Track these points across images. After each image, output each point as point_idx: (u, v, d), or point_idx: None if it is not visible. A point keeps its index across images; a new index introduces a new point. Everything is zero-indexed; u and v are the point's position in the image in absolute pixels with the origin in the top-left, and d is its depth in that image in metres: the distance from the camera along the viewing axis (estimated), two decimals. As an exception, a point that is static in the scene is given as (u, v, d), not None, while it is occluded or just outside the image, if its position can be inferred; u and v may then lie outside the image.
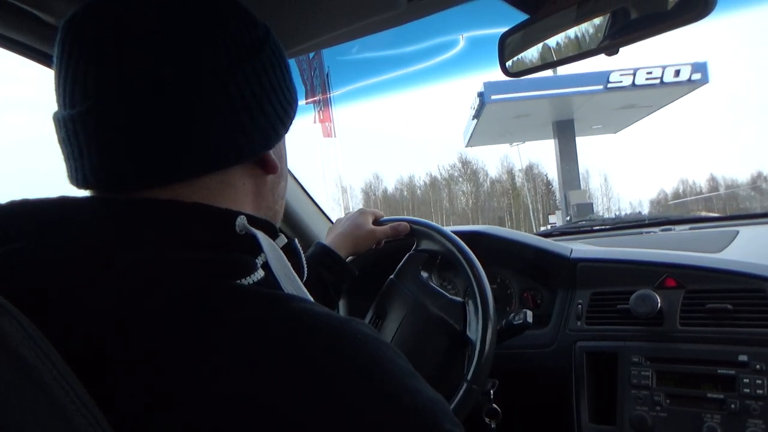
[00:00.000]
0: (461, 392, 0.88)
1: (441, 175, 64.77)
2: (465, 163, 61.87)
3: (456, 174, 63.30)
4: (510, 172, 57.95)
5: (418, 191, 65.87)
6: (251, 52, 0.49)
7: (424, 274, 1.03)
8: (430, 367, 0.94)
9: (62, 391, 0.33)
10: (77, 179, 0.47)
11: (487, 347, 0.89)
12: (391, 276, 1.05)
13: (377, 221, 1.09)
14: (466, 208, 60.56)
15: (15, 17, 0.77)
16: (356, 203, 66.53)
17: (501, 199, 59.41)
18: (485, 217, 58.21)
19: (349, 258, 1.04)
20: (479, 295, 0.93)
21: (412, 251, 1.06)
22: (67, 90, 0.46)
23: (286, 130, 0.54)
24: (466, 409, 0.88)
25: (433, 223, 1.05)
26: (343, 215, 1.13)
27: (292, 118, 0.55)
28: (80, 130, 0.45)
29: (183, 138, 0.45)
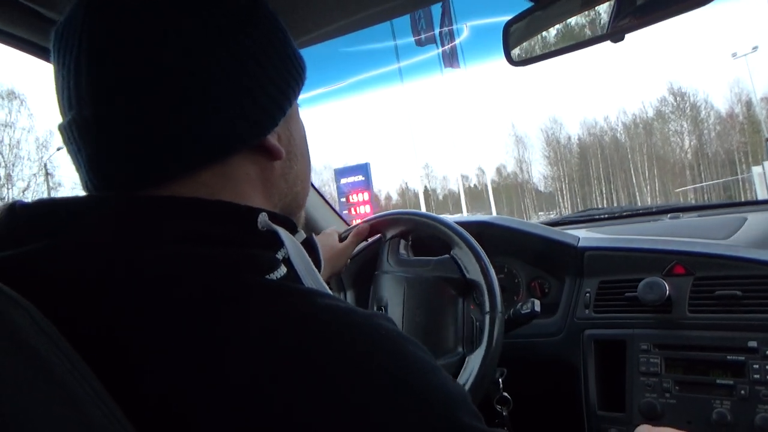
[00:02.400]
0: (488, 323, 0.91)
1: (645, 113, 49.38)
2: (679, 95, 47.32)
3: (667, 110, 48.09)
4: (745, 102, 43.02)
5: (619, 135, 50.86)
6: (232, 35, 0.46)
7: (403, 254, 1.07)
8: (449, 324, 0.98)
9: (75, 382, 0.34)
10: (83, 186, 0.48)
11: (491, 279, 0.94)
12: (375, 271, 1.08)
13: (341, 236, 1.13)
14: (683, 153, 46.72)
15: (15, 13, 0.76)
16: (534, 154, 54.16)
17: (732, 137, 44.37)
18: (710, 163, 44.80)
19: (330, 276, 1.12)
20: (458, 237, 0.99)
21: (382, 245, 1.10)
22: (58, 100, 0.47)
23: (284, 113, 0.50)
24: (501, 337, 0.91)
25: (389, 211, 1.10)
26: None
27: (291, 98, 0.51)
28: (71, 138, 0.47)
29: (164, 136, 0.44)
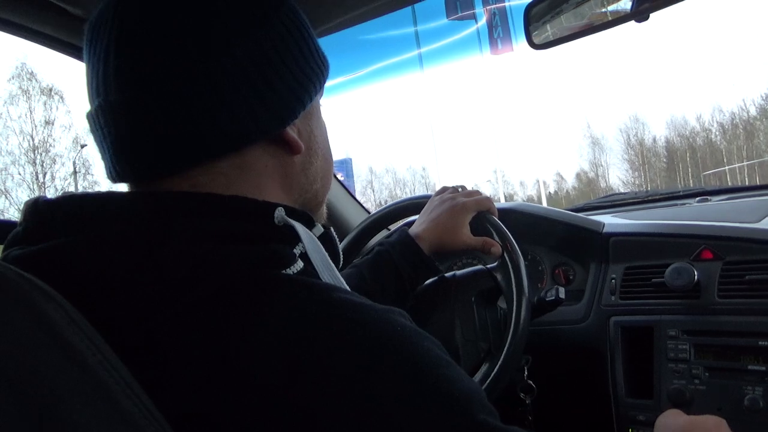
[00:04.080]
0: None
1: (746, 111, 40.89)
2: (788, 89, 37.57)
3: (774, 106, 38.69)
4: None
5: (714, 136, 42.41)
6: (254, 25, 0.47)
7: (476, 301, 0.94)
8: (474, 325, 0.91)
9: (106, 373, 0.34)
10: (107, 174, 0.50)
11: (519, 263, 0.86)
12: (456, 274, 0.96)
13: (481, 218, 0.93)
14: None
15: (42, 11, 0.78)
16: (611, 158, 46.21)
17: None
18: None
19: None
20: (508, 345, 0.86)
21: (486, 268, 0.96)
22: (87, 90, 0.49)
23: (304, 107, 0.51)
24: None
25: (520, 263, 0.90)
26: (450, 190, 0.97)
27: (312, 93, 0.52)
28: (96, 127, 0.48)
29: (183, 123, 0.45)
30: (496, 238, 0.92)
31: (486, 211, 0.94)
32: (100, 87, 0.47)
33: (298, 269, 0.46)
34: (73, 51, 0.90)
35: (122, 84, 0.46)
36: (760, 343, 0.96)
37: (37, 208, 0.45)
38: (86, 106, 0.51)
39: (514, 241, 0.91)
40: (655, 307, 1.10)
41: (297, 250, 0.49)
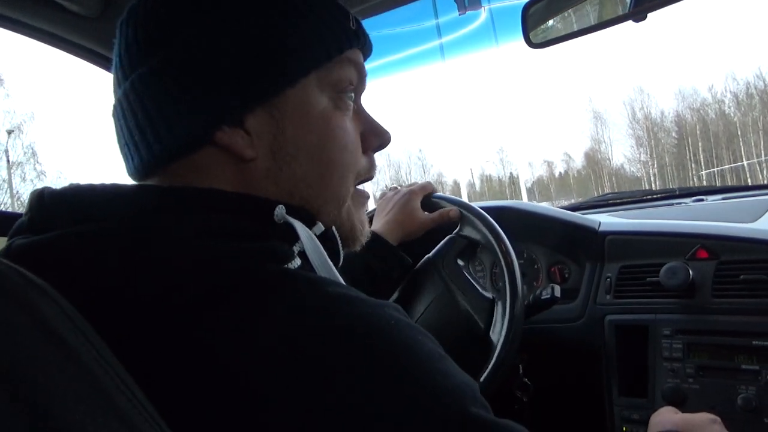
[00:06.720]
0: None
1: (762, 79, 38.63)
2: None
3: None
4: None
5: (727, 108, 39.75)
6: (181, 25, 0.47)
7: (461, 262, 0.99)
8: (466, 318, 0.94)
9: (102, 369, 0.34)
10: None
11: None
12: (429, 255, 1.02)
13: (428, 199, 1.04)
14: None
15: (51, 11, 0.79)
16: (615, 133, 43.51)
17: None
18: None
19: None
20: (509, 294, 0.90)
21: (454, 234, 1.02)
22: None
23: (236, 110, 0.47)
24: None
25: (481, 211, 0.99)
26: (397, 190, 1.07)
27: (249, 93, 0.47)
28: None
29: (138, 126, 0.48)
30: (448, 205, 1.03)
31: (430, 193, 1.05)
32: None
33: (296, 266, 0.47)
34: (82, 52, 0.91)
35: (116, 95, 0.51)
36: (753, 342, 0.96)
37: (42, 198, 0.45)
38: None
39: (464, 199, 1.02)
40: (649, 306, 1.10)
41: (296, 248, 0.49)
